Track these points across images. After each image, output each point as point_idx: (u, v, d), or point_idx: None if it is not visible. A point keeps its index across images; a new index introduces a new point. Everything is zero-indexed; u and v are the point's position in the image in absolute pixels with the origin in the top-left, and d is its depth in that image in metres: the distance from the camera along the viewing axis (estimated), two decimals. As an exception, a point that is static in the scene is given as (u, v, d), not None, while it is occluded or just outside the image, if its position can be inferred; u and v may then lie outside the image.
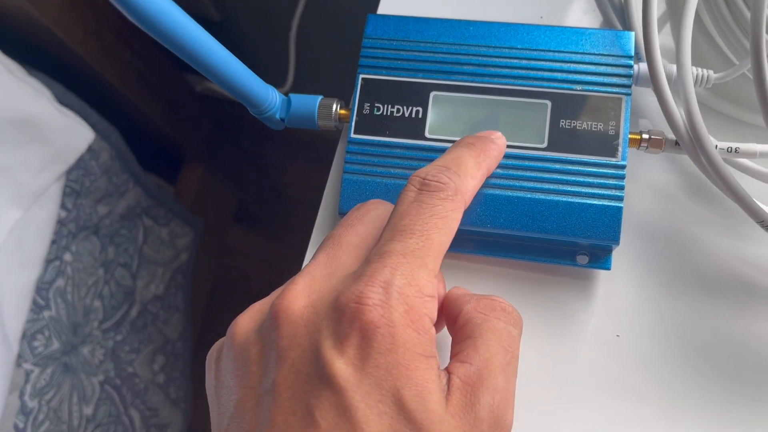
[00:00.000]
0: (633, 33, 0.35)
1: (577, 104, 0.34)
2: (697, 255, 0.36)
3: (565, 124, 0.34)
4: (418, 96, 0.36)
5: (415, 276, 0.25)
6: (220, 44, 0.30)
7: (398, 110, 0.36)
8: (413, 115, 0.35)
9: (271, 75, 1.09)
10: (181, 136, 0.89)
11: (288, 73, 0.91)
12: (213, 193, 1.08)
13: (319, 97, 0.37)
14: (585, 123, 0.34)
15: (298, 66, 0.89)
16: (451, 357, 0.26)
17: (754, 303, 0.35)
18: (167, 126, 0.84)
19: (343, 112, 0.37)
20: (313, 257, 0.28)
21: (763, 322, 0.34)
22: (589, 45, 0.35)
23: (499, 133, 0.33)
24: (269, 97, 0.35)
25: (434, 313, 0.25)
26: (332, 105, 0.36)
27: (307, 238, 0.38)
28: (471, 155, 0.30)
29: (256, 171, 1.22)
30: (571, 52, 0.35)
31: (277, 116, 0.36)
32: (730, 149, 0.34)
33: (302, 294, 0.26)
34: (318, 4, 0.84)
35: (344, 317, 0.24)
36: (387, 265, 0.24)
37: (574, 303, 0.35)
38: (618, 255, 0.36)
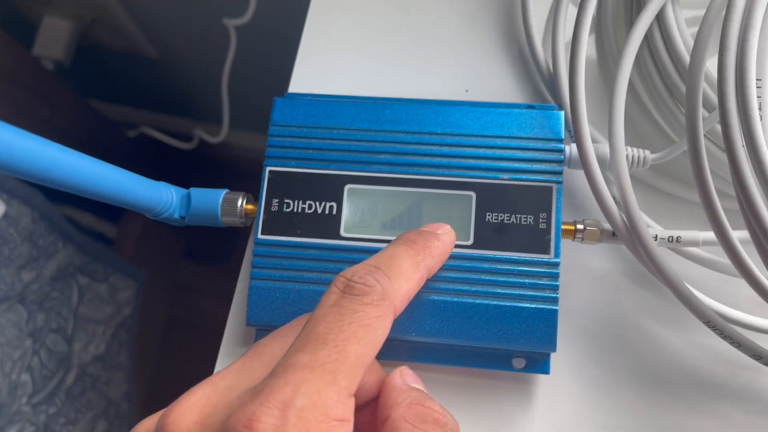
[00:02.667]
0: (563, 113, 0.32)
1: (504, 195, 0.31)
2: (644, 349, 0.33)
3: (491, 218, 0.31)
4: (332, 190, 0.32)
5: (322, 396, 0.21)
6: (87, 158, 0.26)
7: (310, 206, 0.32)
8: (327, 212, 0.32)
9: (207, 113, 1.05)
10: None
11: (222, 111, 0.87)
12: (157, 237, 1.03)
13: (223, 192, 0.33)
14: (513, 216, 0.31)
15: (232, 104, 0.85)
16: None
17: (708, 400, 0.32)
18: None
19: (249, 207, 0.33)
20: (230, 364, 0.25)
21: (719, 422, 0.32)
22: (515, 127, 0.32)
23: (447, 227, 0.30)
24: (162, 197, 0.31)
25: None
26: (237, 200, 0.33)
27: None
28: (408, 254, 0.27)
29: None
30: (497, 137, 0.32)
31: (176, 215, 0.33)
32: (671, 238, 0.31)
33: (194, 408, 0.22)
34: (248, 43, 0.80)
35: None
36: (289, 380, 0.21)
37: (513, 409, 0.32)
38: (557, 355, 0.32)
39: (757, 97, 0.26)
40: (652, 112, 0.34)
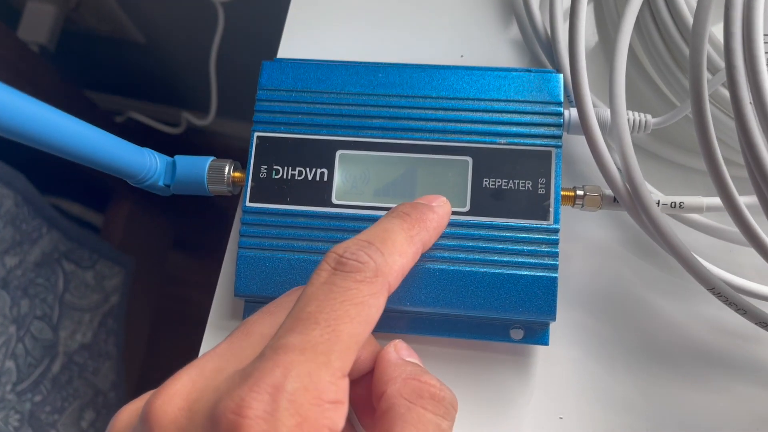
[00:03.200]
0: (562, 75, 0.31)
1: (501, 160, 0.30)
2: (644, 320, 0.32)
3: (488, 184, 0.30)
4: (323, 156, 0.31)
5: (314, 378, 0.20)
6: (69, 117, 0.25)
7: (300, 173, 0.31)
8: (317, 178, 0.31)
9: (195, 97, 1.03)
10: (104, 173, 0.82)
11: (210, 96, 0.85)
12: (145, 226, 1.01)
13: (209, 159, 0.32)
14: (511, 181, 0.30)
15: (220, 88, 0.83)
16: None
17: (709, 372, 0.31)
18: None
19: (237, 174, 0.32)
20: (217, 345, 0.24)
21: (719, 394, 0.31)
22: (513, 90, 0.31)
23: (442, 199, 0.28)
24: (146, 163, 0.30)
25: (339, 423, 0.20)
26: (224, 168, 0.32)
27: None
28: (402, 228, 0.25)
29: (192, 196, 1.16)
30: (493, 100, 0.31)
31: (161, 183, 0.31)
32: (674, 204, 0.30)
33: (181, 393, 0.21)
34: (236, 20, 0.79)
35: (219, 431, 0.19)
36: (279, 363, 0.20)
37: (512, 382, 0.31)
38: (556, 327, 0.31)
39: (766, 52, 0.25)
40: (651, 74, 0.33)
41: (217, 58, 0.78)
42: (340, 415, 0.20)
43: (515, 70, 0.32)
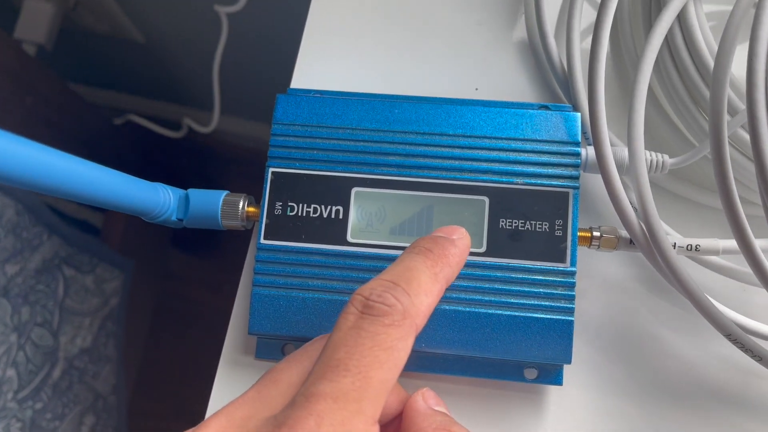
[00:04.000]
0: (579, 115, 0.31)
1: (518, 200, 0.30)
2: (659, 359, 0.32)
3: (505, 224, 0.30)
4: (338, 193, 0.31)
5: (348, 426, 0.20)
6: (82, 161, 0.25)
7: (315, 210, 0.31)
8: (333, 216, 0.31)
9: (197, 101, 1.03)
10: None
11: (213, 101, 0.85)
12: (144, 226, 1.01)
13: (224, 194, 0.32)
14: (528, 222, 0.30)
15: (223, 93, 0.82)
16: None
17: (724, 411, 0.31)
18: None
19: (251, 209, 0.32)
20: (244, 392, 0.24)
21: (732, 433, 0.31)
22: (530, 129, 0.31)
23: (462, 230, 0.27)
24: (160, 199, 0.30)
25: None
26: (238, 203, 0.31)
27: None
28: (426, 265, 0.24)
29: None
30: (511, 139, 0.31)
31: (174, 218, 0.31)
32: (690, 247, 0.30)
33: None
34: (241, 31, 0.78)
35: None
36: (312, 412, 0.20)
37: (525, 420, 0.31)
38: (569, 365, 0.31)
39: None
40: (669, 113, 0.33)
41: (221, 63, 0.77)
42: None
43: (531, 106, 0.31)
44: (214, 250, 1.31)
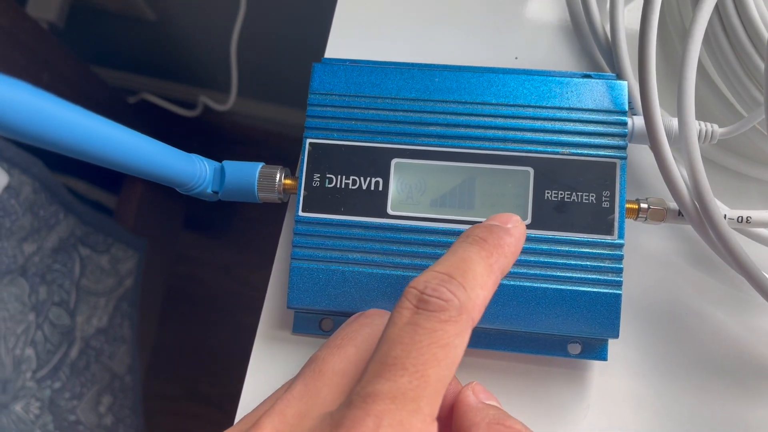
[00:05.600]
0: (626, 83, 0.30)
1: (563, 171, 0.29)
2: (705, 335, 0.31)
3: (550, 196, 0.29)
4: (378, 164, 0.30)
5: (406, 426, 0.19)
6: (120, 127, 0.24)
7: (354, 182, 0.30)
8: (372, 188, 0.30)
9: (213, 77, 1.01)
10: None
11: (231, 75, 0.83)
12: (157, 207, 1.00)
13: (259, 165, 0.31)
14: (574, 194, 0.29)
15: (241, 70, 0.81)
16: None
17: None
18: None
19: (288, 182, 0.31)
20: (290, 386, 0.24)
21: (778, 410, 0.30)
22: (575, 98, 0.30)
23: (516, 218, 0.25)
24: (196, 170, 0.29)
25: None
26: (275, 175, 0.31)
27: (261, 241, 0.32)
28: (481, 256, 0.23)
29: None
30: (555, 108, 0.30)
31: (209, 190, 0.30)
32: (740, 219, 0.29)
33: None
34: (260, 6, 0.77)
35: None
36: (370, 412, 0.19)
37: (567, 397, 0.31)
38: (613, 341, 0.31)
39: None
40: (717, 83, 0.32)
41: (239, 40, 0.76)
42: None
43: (575, 75, 0.31)
44: (226, 232, 1.30)
